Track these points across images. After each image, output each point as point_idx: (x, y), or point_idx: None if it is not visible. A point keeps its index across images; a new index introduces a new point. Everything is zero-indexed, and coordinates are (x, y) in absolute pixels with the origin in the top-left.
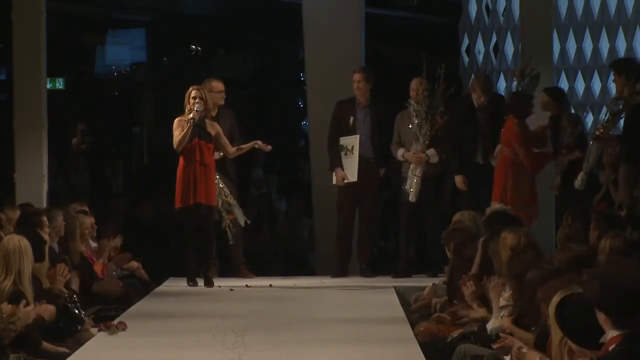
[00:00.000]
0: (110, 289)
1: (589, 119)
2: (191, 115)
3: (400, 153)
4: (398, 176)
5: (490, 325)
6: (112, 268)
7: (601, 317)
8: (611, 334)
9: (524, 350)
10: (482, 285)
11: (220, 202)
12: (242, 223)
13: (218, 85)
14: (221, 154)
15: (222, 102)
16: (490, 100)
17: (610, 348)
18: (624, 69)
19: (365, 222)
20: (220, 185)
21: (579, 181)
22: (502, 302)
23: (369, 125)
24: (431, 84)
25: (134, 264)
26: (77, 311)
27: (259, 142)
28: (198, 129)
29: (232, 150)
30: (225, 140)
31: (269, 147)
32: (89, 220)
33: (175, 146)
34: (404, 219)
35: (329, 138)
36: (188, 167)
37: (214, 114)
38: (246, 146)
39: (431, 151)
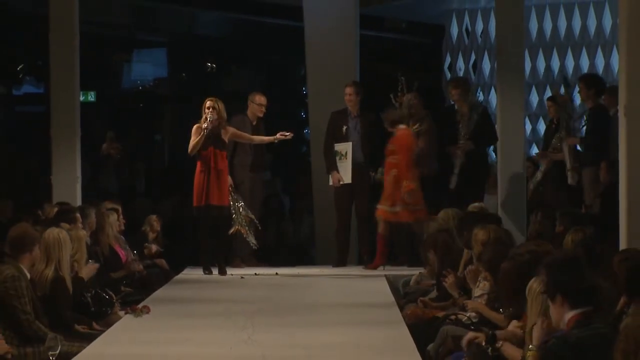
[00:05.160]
0: (130, 269)
1: None
2: (205, 124)
3: None
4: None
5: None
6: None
7: (558, 302)
8: (568, 315)
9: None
10: (460, 277)
11: (239, 217)
12: (251, 244)
13: (260, 98)
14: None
15: (261, 115)
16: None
17: (570, 326)
18: (592, 83)
19: (361, 218)
20: (239, 204)
21: (570, 177)
22: (478, 291)
23: (359, 133)
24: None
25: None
26: (107, 297)
27: (278, 136)
28: (213, 138)
29: (255, 138)
30: (241, 133)
31: (290, 134)
32: (117, 217)
33: (189, 151)
34: None
35: (325, 145)
36: (204, 172)
37: (254, 122)
38: (268, 138)
39: None
